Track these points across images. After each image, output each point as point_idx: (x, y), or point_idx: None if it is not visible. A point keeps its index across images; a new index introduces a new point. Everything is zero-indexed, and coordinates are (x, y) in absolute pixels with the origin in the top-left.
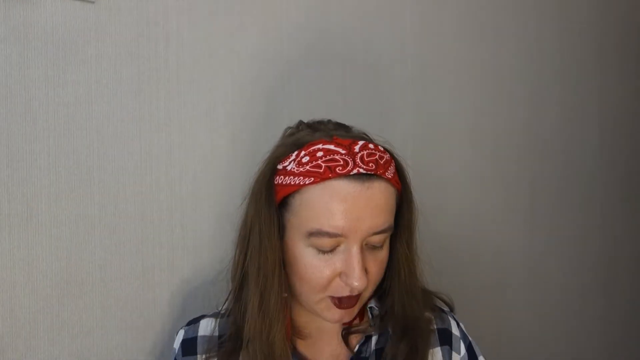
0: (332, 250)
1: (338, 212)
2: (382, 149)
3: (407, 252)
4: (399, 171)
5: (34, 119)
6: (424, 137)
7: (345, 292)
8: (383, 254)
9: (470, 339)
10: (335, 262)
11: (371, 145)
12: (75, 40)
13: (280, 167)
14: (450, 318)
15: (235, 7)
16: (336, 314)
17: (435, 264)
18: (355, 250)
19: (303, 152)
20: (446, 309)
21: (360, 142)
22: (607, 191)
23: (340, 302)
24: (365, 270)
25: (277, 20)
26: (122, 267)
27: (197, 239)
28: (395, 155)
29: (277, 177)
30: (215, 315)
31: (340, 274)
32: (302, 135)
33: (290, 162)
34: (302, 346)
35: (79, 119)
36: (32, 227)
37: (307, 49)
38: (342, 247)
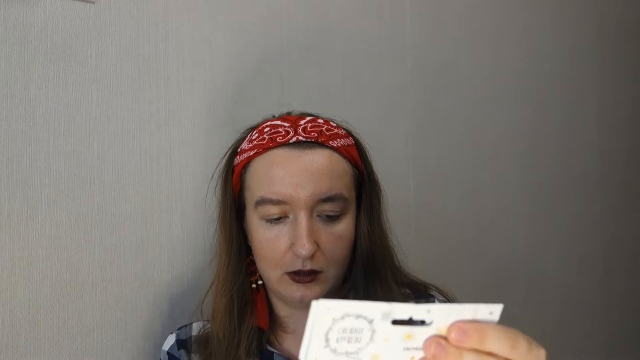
0: (280, 220)
1: (277, 177)
2: (334, 124)
3: (368, 226)
4: (360, 149)
5: (34, 119)
6: (424, 137)
7: (297, 265)
8: (340, 228)
9: None
10: (285, 233)
11: (320, 120)
12: (75, 40)
13: (239, 150)
14: (435, 299)
15: (235, 7)
16: (296, 290)
17: (434, 263)
18: (301, 218)
19: (255, 131)
20: (440, 297)
21: (309, 117)
22: (607, 190)
23: (297, 276)
24: (317, 244)
25: (277, 20)
26: (122, 267)
27: (197, 239)
28: (354, 134)
29: (235, 159)
30: (205, 320)
31: (291, 246)
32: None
33: (244, 142)
34: (288, 342)
35: (79, 119)
36: (32, 227)
37: (307, 49)
38: (290, 218)
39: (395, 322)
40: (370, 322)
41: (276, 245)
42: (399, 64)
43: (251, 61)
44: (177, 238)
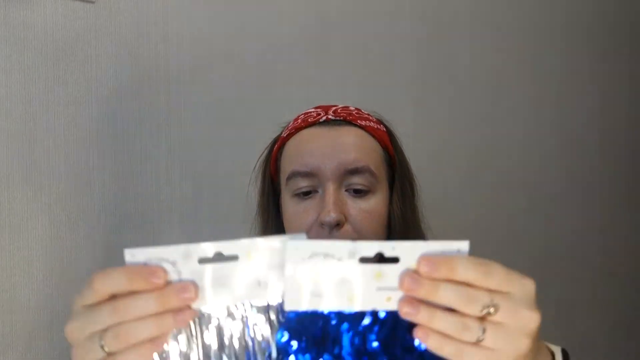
0: (310, 195)
1: (305, 151)
2: (366, 112)
3: (401, 207)
4: (391, 137)
5: (34, 119)
6: (424, 137)
7: (325, 236)
8: (369, 204)
9: None
10: (313, 207)
11: (352, 107)
12: (75, 40)
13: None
14: None
15: (235, 6)
16: None
17: None
18: (328, 188)
19: (292, 121)
20: None
21: (341, 105)
22: (607, 192)
23: None
24: (346, 218)
25: (277, 20)
26: None
27: (197, 239)
28: (386, 123)
29: (274, 149)
30: None
31: (317, 218)
32: None
33: (283, 132)
34: None
35: (79, 119)
36: (32, 227)
37: (307, 49)
38: (319, 193)
39: (364, 261)
40: (339, 260)
41: (303, 219)
42: (399, 63)
43: (251, 61)
44: (177, 238)
